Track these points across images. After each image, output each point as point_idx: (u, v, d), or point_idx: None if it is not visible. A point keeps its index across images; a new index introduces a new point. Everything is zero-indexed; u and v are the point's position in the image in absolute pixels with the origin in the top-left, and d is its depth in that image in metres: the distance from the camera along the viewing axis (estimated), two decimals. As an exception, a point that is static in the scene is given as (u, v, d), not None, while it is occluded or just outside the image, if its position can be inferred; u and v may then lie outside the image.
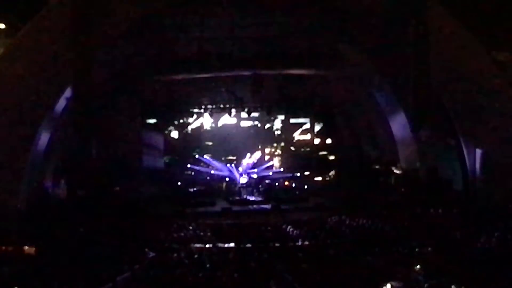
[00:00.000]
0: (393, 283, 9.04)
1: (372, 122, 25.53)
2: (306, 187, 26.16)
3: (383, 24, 18.95)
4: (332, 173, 27.19)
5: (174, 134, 26.89)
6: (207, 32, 19.24)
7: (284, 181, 26.72)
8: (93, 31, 16.19)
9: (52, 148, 20.06)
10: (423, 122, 17.61)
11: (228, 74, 21.01)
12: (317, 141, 27.71)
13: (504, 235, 13.23)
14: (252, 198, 24.71)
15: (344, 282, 10.59)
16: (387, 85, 22.81)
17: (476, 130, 19.29)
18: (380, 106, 23.91)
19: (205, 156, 27.01)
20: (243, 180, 25.84)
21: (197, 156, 27.06)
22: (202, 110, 25.75)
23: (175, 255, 14.62)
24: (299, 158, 27.68)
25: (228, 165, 26.80)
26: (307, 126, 27.85)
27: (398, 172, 23.64)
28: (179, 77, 20.49)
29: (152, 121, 26.29)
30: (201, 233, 17.31)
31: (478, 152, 19.30)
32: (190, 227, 17.88)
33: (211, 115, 25.86)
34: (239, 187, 25.56)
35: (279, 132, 28.12)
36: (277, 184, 26.48)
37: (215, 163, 26.77)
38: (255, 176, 26.46)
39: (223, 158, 27.15)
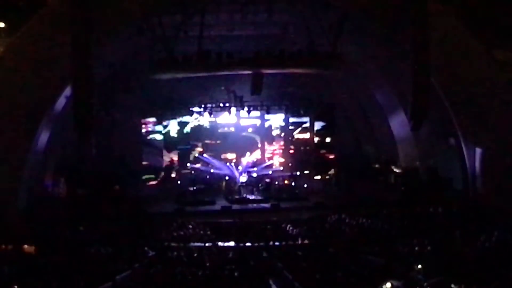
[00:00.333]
0: (393, 282, 9.04)
1: (372, 121, 25.55)
2: (305, 185, 26.17)
3: (383, 24, 18.94)
4: (331, 172, 27.20)
5: (174, 132, 26.86)
6: (207, 31, 19.23)
7: (284, 180, 26.72)
8: (93, 30, 16.17)
9: (52, 147, 20.07)
10: (423, 121, 17.60)
11: (227, 72, 20.97)
12: (316, 139, 27.70)
13: (504, 234, 13.23)
14: (251, 197, 24.71)
15: (343, 280, 10.59)
16: (387, 84, 22.84)
17: (476, 129, 19.29)
18: (380, 105, 23.94)
19: (204, 155, 27.01)
20: (243, 179, 25.85)
21: (196, 155, 27.05)
22: (201, 109, 25.76)
23: (175, 253, 14.64)
24: (299, 157, 27.68)
25: (228, 164, 26.80)
26: (307, 124, 27.84)
27: (397, 171, 23.67)
28: (179, 75, 20.45)
29: (152, 119, 26.29)
30: (201, 232, 17.32)
31: (478, 151, 19.31)
32: (190, 226, 17.88)
33: (210, 113, 25.86)
34: (239, 186, 25.57)
35: (278, 131, 28.11)
36: (276, 182, 26.48)
37: (215, 162, 26.77)
38: (254, 175, 26.46)
39: (222, 157, 27.14)
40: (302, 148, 27.90)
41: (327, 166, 27.26)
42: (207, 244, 16.14)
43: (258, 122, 27.69)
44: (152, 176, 26.24)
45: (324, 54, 19.41)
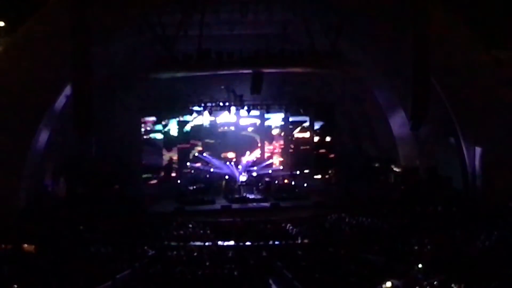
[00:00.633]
0: (393, 281, 9.05)
1: (372, 120, 25.55)
2: (305, 185, 26.13)
3: (383, 23, 18.96)
4: (331, 171, 27.19)
5: (174, 131, 26.85)
6: (207, 30, 19.23)
7: (284, 179, 26.68)
8: (93, 29, 16.17)
9: (51, 146, 20.07)
10: (423, 120, 17.61)
11: (227, 72, 20.98)
12: (316, 139, 27.68)
13: (504, 233, 13.24)
14: (251, 196, 24.67)
15: (343, 279, 10.60)
16: (387, 83, 22.85)
17: (475, 128, 19.31)
18: (380, 104, 23.94)
19: (204, 154, 26.99)
20: (243, 178, 25.80)
21: (196, 154, 27.03)
22: (201, 108, 25.75)
23: (175, 253, 14.65)
24: (299, 156, 27.66)
25: (228, 163, 26.78)
26: (307, 124, 27.82)
27: (397, 170, 23.67)
28: (179, 74, 20.45)
29: (151, 118, 26.28)
30: (201, 231, 17.32)
31: (478, 150, 19.33)
32: (190, 225, 17.88)
33: (210, 113, 25.84)
34: (239, 185, 25.52)
35: (278, 130, 28.09)
36: (276, 182, 26.44)
37: (215, 161, 26.74)
38: (254, 174, 26.42)
39: (222, 156, 27.12)
40: (302, 147, 27.87)
41: (327, 165, 27.24)
42: (207, 243, 16.14)
43: (258, 121, 27.65)
44: (152, 175, 26.24)
45: (324, 54, 19.42)
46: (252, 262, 13.42)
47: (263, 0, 18.86)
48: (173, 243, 16.05)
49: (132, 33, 20.23)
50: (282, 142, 28.01)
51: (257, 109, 26.06)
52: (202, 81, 24.12)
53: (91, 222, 17.54)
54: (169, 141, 26.69)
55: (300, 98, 26.83)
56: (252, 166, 26.82)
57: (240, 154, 27.24)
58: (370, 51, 21.87)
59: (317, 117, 27.63)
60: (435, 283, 8.82)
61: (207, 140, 27.21)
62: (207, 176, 26.41)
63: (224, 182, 25.86)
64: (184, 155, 26.87)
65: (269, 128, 27.94)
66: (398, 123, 22.91)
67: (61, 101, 19.09)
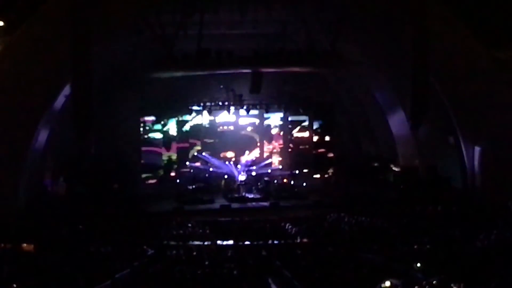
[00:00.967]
0: (392, 281, 9.03)
1: (371, 120, 25.56)
2: (305, 184, 26.14)
3: (382, 22, 18.95)
4: (331, 170, 27.21)
5: (173, 131, 26.85)
6: (206, 29, 19.24)
7: (283, 179, 26.69)
8: (92, 28, 16.15)
9: (51, 145, 20.08)
10: (422, 120, 17.61)
11: (227, 71, 21.00)
12: (315, 138, 27.69)
13: (503, 232, 13.24)
14: (250, 196, 24.68)
15: (343, 279, 10.59)
16: (386, 82, 22.85)
17: (475, 127, 19.31)
18: (379, 104, 23.94)
19: (203, 153, 26.99)
20: (242, 177, 25.80)
21: (195, 153, 27.03)
22: (201, 108, 25.76)
23: (174, 252, 14.63)
24: (298, 155, 27.67)
25: (227, 162, 26.78)
26: (306, 123, 27.84)
27: (397, 169, 23.69)
28: (178, 74, 20.47)
29: (151, 118, 26.29)
30: (200, 231, 17.31)
31: (477, 149, 19.33)
32: (189, 225, 17.87)
33: (209, 112, 25.84)
34: (238, 185, 25.52)
35: (277, 129, 28.09)
36: (275, 181, 26.45)
37: (214, 161, 26.75)
38: (254, 173, 26.42)
39: (221, 155, 27.12)
40: (301, 146, 27.89)
41: (326, 165, 27.27)
42: (206, 243, 16.12)
43: (257, 120, 27.67)
44: (151, 174, 26.25)
45: (323, 53, 19.43)
46: (251, 262, 13.40)
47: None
48: (172, 243, 16.01)
49: (132, 33, 20.22)
50: (281, 141, 28.04)
51: (256, 108, 26.09)
52: (201, 81, 24.17)
53: (90, 222, 17.51)
54: (168, 141, 26.70)
55: (300, 97, 26.85)
56: (252, 165, 26.82)
57: (239, 153, 27.25)
58: (370, 51, 21.87)
59: (316, 117, 27.66)
60: (434, 282, 8.79)
61: (206, 140, 27.23)
62: (207, 175, 26.41)
63: (223, 182, 25.87)
64: (183, 155, 26.87)
65: (269, 127, 27.96)
66: (397, 122, 22.91)
67: (60, 100, 19.09)
